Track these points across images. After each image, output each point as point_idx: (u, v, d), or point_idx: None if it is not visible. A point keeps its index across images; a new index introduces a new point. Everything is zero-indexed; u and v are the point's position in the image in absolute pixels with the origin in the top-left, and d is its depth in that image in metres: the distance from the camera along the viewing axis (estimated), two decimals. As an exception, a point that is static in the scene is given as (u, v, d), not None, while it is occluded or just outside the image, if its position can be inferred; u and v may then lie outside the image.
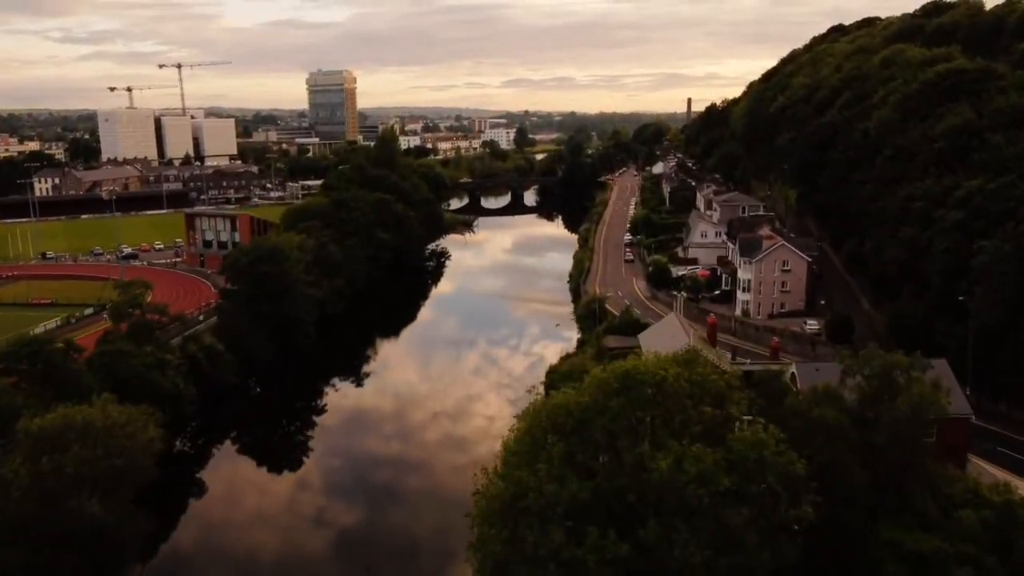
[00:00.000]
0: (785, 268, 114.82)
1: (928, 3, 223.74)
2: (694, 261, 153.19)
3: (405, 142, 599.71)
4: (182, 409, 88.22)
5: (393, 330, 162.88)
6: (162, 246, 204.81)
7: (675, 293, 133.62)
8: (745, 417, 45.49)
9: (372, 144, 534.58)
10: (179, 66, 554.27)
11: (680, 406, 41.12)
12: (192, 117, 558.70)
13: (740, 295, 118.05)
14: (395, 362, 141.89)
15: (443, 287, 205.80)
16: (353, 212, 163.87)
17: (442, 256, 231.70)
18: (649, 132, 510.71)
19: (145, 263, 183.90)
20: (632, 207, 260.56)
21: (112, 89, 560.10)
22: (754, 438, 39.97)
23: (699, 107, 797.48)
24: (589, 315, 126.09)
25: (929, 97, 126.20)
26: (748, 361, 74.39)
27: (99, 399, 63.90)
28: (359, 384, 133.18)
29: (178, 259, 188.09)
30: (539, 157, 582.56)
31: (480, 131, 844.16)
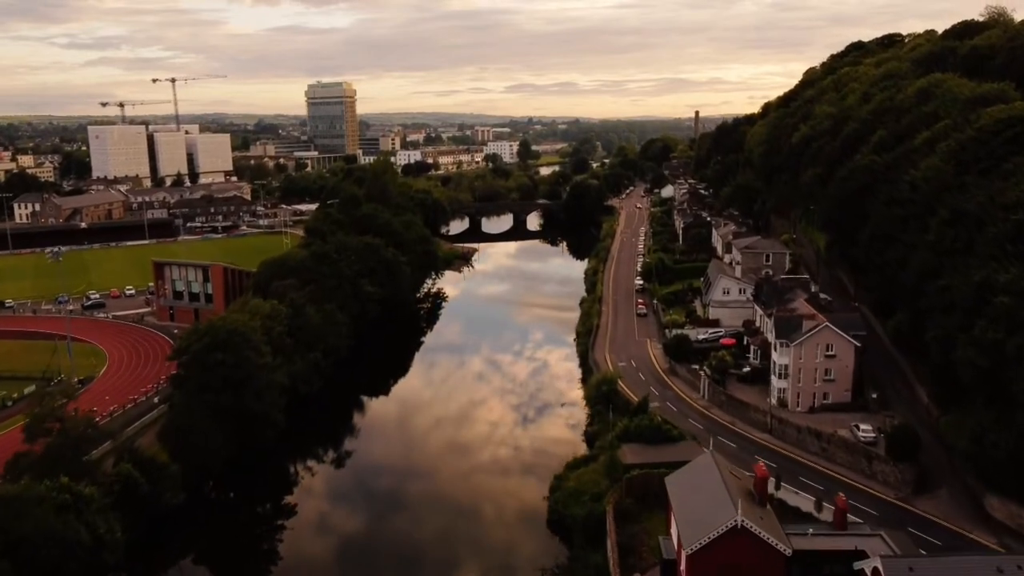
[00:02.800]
0: (829, 353, 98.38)
1: (958, 23, 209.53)
2: (716, 323, 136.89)
3: (406, 156, 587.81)
4: (102, 560, 71.82)
5: (381, 392, 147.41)
6: (133, 291, 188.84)
7: (694, 367, 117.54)
8: None
9: (372, 160, 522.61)
10: (173, 80, 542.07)
11: None
12: (187, 132, 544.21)
13: (776, 381, 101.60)
14: (377, 440, 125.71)
15: (439, 330, 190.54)
16: (337, 265, 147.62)
17: (437, 298, 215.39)
18: (656, 148, 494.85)
19: (110, 316, 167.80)
20: (642, 238, 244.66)
21: (104, 104, 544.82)
22: None
23: (704, 112, 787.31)
24: (600, 398, 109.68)
25: (990, 148, 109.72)
26: (810, 530, 58.12)
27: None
28: (339, 465, 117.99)
29: (148, 309, 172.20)
30: (543, 171, 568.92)
31: (484, 142, 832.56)
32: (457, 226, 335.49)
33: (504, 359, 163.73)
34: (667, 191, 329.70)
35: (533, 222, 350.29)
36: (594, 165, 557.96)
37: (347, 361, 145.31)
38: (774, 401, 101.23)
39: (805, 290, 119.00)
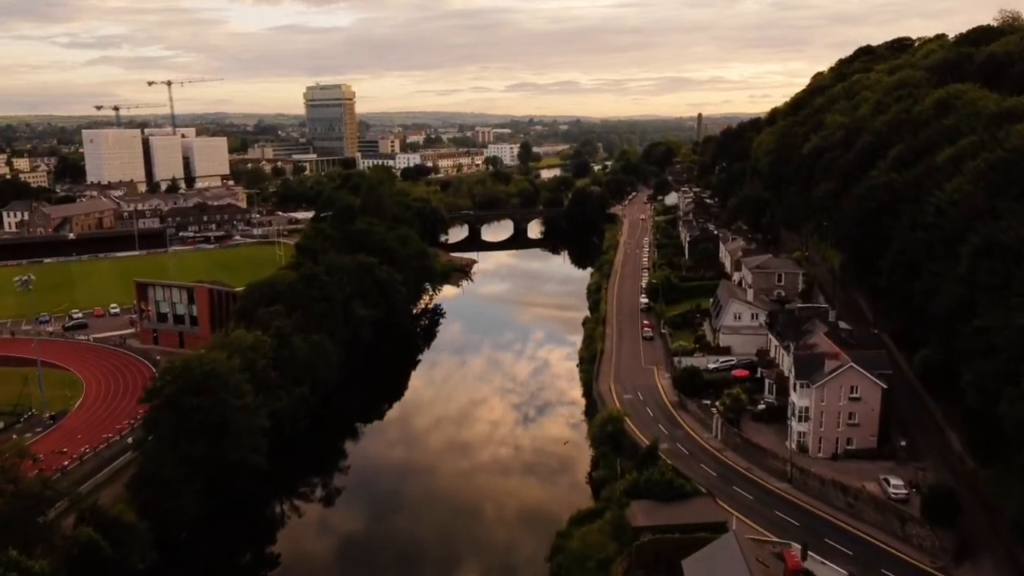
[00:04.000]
0: (853, 396, 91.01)
1: (971, 29, 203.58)
2: (727, 350, 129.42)
3: (405, 160, 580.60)
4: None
5: (375, 417, 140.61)
6: (118, 310, 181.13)
7: (706, 402, 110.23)
8: None
9: (370, 165, 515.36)
10: (169, 83, 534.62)
11: None
12: (183, 136, 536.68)
13: (795, 424, 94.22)
14: (368, 476, 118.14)
15: (436, 347, 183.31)
16: (328, 288, 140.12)
17: (435, 314, 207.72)
18: (659, 152, 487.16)
19: (91, 338, 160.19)
20: (646, 250, 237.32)
21: (99, 108, 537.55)
22: None
23: (705, 111, 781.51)
24: (605, 438, 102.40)
25: (1023, 170, 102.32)
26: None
27: None
28: (328, 503, 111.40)
29: (132, 330, 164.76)
30: (544, 173, 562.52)
31: (484, 143, 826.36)
32: (456, 234, 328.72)
33: (504, 380, 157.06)
34: (671, 199, 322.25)
35: (534, 230, 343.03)
36: (595, 168, 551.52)
37: (337, 387, 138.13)
38: (793, 445, 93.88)
39: (824, 321, 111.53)
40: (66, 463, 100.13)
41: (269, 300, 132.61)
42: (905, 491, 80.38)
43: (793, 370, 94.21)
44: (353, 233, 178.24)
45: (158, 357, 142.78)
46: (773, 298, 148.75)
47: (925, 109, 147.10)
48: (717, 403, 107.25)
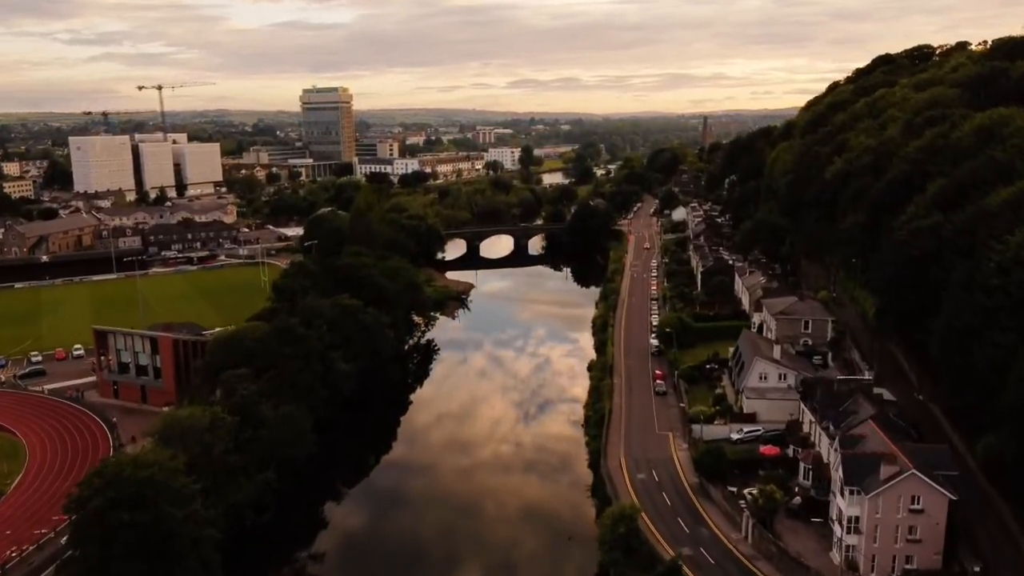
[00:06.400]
0: (915, 507, 76.28)
1: (999, 39, 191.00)
2: (751, 417, 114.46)
3: (403, 165, 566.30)
4: None
5: (355, 482, 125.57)
6: (82, 351, 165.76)
7: (732, 490, 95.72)
8: None
9: (367, 174, 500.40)
10: (159, 87, 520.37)
11: None
12: (174, 142, 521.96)
13: (844, 535, 79.51)
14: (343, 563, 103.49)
15: (428, 389, 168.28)
16: (305, 341, 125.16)
17: (427, 350, 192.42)
18: (664, 158, 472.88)
19: (44, 391, 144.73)
20: (654, 274, 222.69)
21: (88, 113, 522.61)
22: None
23: (707, 108, 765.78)
24: (617, 541, 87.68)
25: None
26: None
27: None
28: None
29: (92, 379, 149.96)
30: (545, 178, 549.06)
31: (485, 145, 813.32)
32: (455, 248, 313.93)
33: (503, 428, 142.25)
34: (678, 214, 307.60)
35: (535, 246, 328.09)
36: (598, 172, 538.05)
37: (311, 456, 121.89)
38: (841, 562, 79.25)
39: (868, 397, 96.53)
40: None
41: (237, 359, 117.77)
42: (988, 644, 65.77)
43: (841, 471, 79.37)
44: (338, 268, 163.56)
45: (114, 419, 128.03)
46: (800, 348, 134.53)
47: (965, 135, 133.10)
48: (747, 493, 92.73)
